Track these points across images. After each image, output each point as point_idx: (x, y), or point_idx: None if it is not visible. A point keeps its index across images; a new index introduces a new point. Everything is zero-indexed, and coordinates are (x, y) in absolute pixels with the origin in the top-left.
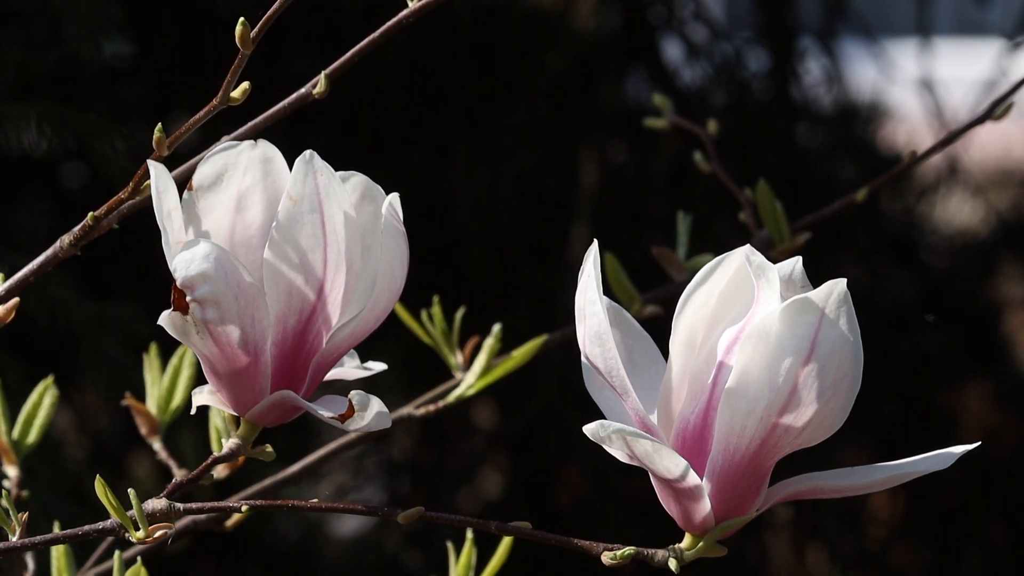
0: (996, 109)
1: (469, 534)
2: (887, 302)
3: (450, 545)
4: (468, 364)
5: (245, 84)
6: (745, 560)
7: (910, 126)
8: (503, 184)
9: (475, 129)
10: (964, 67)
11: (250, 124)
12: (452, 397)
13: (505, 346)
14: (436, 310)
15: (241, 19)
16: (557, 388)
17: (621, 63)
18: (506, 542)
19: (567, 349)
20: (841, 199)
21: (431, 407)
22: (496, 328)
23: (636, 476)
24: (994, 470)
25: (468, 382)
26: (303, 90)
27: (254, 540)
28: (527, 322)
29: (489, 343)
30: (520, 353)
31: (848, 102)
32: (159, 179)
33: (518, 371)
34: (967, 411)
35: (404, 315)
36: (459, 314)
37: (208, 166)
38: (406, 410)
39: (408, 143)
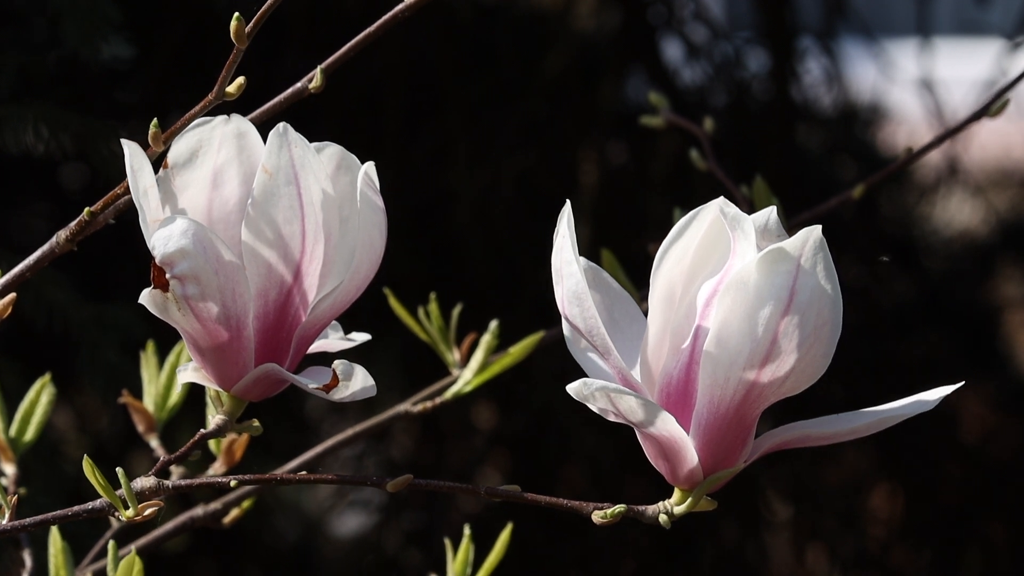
0: (992, 105)
1: (466, 530)
2: (887, 303)
3: (448, 542)
4: (465, 361)
5: (240, 79)
6: (745, 560)
7: (910, 127)
8: (503, 184)
9: (475, 129)
10: (964, 67)
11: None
12: (449, 394)
13: (504, 346)
14: (433, 307)
15: (236, 14)
16: (556, 387)
17: (621, 63)
18: (503, 538)
19: (566, 347)
20: (838, 195)
21: (428, 404)
22: (493, 325)
23: (635, 476)
24: (994, 470)
25: (465, 379)
26: (299, 85)
27: (253, 540)
28: (526, 322)
29: (486, 339)
30: (517, 349)
31: (848, 102)
32: (133, 158)
33: (517, 370)
34: (967, 412)
35: (401, 312)
36: (456, 311)
37: (182, 143)
38: (403, 407)
39: (408, 143)
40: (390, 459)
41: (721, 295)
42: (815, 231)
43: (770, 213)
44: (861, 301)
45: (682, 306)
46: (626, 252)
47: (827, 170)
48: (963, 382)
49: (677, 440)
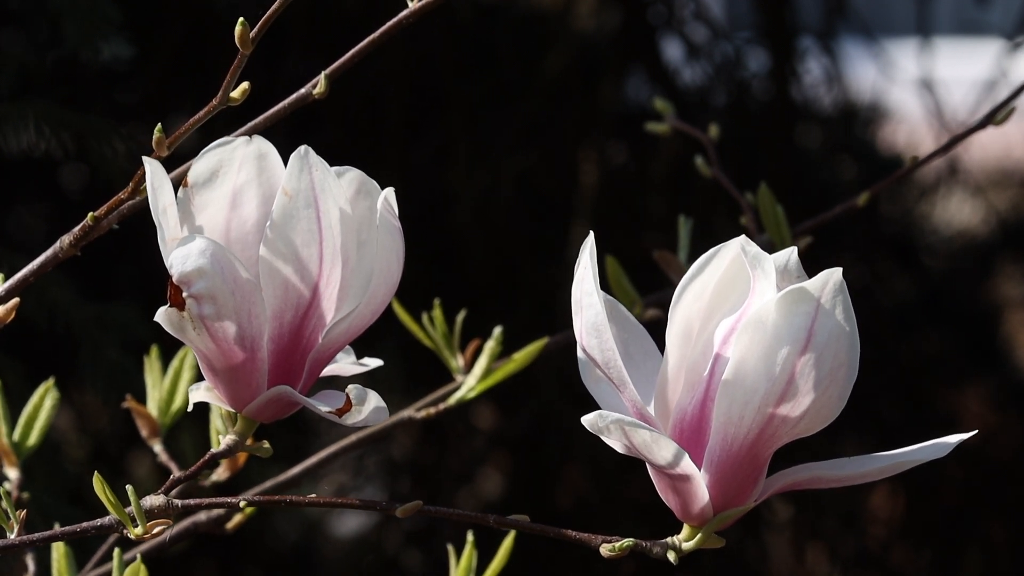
0: (997, 114)
1: (470, 536)
2: (887, 303)
3: (451, 548)
4: (469, 367)
5: (245, 84)
6: (745, 560)
7: (910, 126)
8: (503, 184)
9: (475, 129)
10: (964, 67)
11: (249, 124)
12: (453, 400)
13: (505, 346)
14: (437, 313)
15: (240, 19)
16: (557, 388)
17: (621, 63)
18: (506, 545)
19: (567, 350)
20: (841, 202)
21: (431, 410)
22: (497, 331)
23: (636, 477)
24: (994, 470)
25: (469, 385)
26: (303, 90)
27: (254, 540)
28: (527, 322)
29: (490, 346)
30: (521, 356)
31: (848, 102)
32: (154, 176)
33: (518, 372)
34: (967, 412)
35: (405, 317)
36: (460, 317)
37: (203, 163)
38: (406, 412)
39: (408, 143)
40: (391, 459)
41: (739, 333)
42: (835, 273)
43: (791, 253)
44: (862, 301)
45: (699, 343)
46: (626, 253)
47: (827, 170)
48: (976, 431)
49: (689, 476)
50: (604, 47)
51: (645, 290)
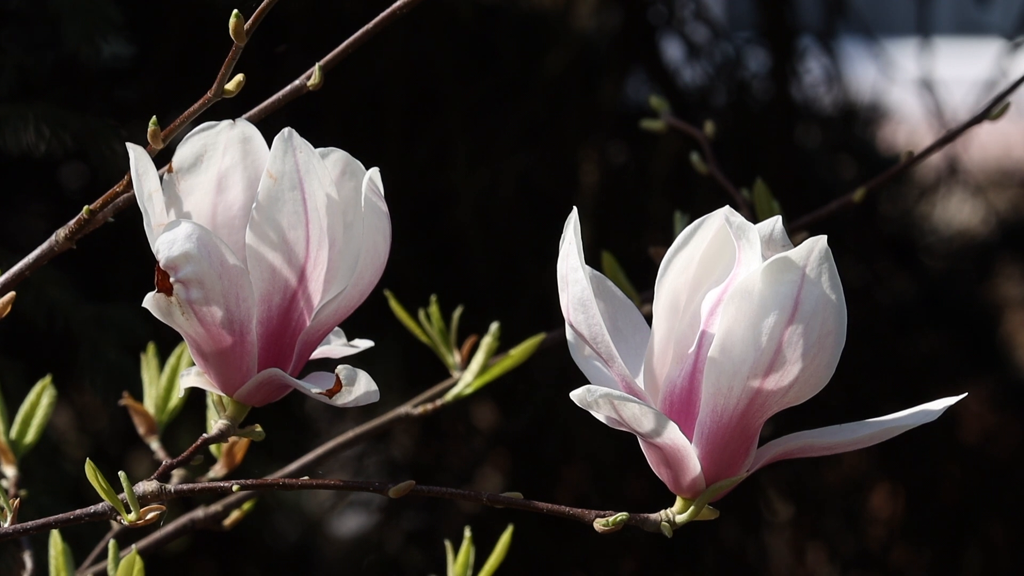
0: (993, 109)
1: (467, 532)
2: (887, 302)
3: (449, 545)
4: (466, 363)
5: (239, 76)
6: (745, 560)
7: (910, 126)
8: (503, 184)
9: (475, 129)
10: (964, 67)
11: (244, 116)
12: (450, 396)
13: (505, 346)
14: (434, 309)
15: (235, 11)
16: (556, 387)
17: (621, 63)
18: (504, 540)
19: (566, 348)
20: (839, 199)
21: (428, 406)
22: (494, 327)
23: (635, 476)
24: (994, 470)
25: (466, 381)
26: (297, 82)
27: (254, 540)
28: (527, 322)
29: (487, 342)
30: (518, 352)
31: (848, 102)
32: (139, 161)
33: (517, 370)
34: (967, 411)
35: (402, 314)
36: (457, 313)
37: (187, 147)
38: (404, 409)
39: (408, 143)
40: (390, 459)
41: (726, 304)
42: (820, 241)
43: (775, 223)
44: (861, 301)
45: (686, 315)
46: (626, 252)
47: (827, 170)
48: (965, 393)
49: (680, 448)
50: (604, 47)
51: (646, 289)
